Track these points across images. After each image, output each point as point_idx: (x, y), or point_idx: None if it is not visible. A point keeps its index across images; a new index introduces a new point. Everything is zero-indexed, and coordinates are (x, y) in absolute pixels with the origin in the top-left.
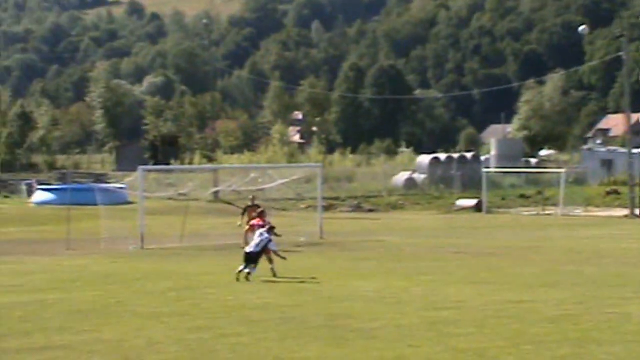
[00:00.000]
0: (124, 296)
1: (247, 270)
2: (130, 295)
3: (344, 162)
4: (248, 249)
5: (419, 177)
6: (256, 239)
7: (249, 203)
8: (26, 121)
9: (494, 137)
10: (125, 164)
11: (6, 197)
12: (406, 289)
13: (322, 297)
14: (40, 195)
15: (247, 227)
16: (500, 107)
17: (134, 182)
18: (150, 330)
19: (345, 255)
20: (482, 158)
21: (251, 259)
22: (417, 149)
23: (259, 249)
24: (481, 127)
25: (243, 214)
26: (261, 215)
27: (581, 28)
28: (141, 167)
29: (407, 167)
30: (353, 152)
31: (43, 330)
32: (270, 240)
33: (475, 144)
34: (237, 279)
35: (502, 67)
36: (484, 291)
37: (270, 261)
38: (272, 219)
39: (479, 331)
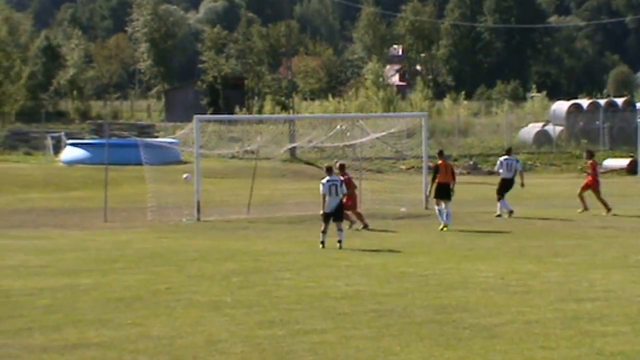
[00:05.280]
0: (176, 281)
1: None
2: (183, 280)
3: (457, 110)
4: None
5: (554, 129)
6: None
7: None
8: (52, 57)
9: None
10: (177, 113)
11: (28, 154)
12: (537, 275)
13: (429, 284)
14: (70, 152)
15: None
16: None
17: (188, 135)
18: (209, 325)
19: (458, 230)
20: (638, 105)
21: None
22: (551, 94)
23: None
24: (637, 64)
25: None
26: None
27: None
28: (197, 117)
29: (539, 117)
30: (468, 97)
31: (75, 322)
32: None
33: (628, 87)
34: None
35: None
36: (639, 277)
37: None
38: (364, 184)
39: (633, 329)
